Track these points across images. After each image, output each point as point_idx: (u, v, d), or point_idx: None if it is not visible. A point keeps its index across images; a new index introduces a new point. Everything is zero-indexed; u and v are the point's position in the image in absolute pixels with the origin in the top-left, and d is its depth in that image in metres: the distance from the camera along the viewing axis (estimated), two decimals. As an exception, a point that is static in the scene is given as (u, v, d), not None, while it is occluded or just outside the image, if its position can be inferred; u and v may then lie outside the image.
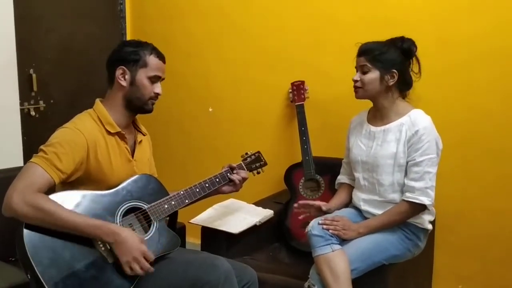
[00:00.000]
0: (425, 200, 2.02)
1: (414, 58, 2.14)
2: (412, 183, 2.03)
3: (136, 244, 1.68)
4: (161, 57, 1.94)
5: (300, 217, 2.27)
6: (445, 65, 2.47)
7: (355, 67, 2.15)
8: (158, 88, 1.93)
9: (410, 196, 2.03)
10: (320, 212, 2.17)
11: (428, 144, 2.02)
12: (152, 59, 1.90)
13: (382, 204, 2.12)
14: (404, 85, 2.13)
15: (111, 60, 1.92)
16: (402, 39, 2.12)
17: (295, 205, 2.22)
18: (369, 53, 2.08)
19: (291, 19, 2.89)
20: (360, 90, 2.12)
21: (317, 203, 2.19)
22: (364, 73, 2.09)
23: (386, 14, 2.59)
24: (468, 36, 2.42)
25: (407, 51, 2.11)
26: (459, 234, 2.55)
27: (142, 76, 1.88)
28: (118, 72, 1.88)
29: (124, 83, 1.88)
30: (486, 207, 2.47)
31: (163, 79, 1.96)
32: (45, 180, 1.68)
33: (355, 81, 2.13)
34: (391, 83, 2.08)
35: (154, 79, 1.91)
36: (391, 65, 2.07)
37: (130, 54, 1.88)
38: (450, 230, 2.54)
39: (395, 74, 2.07)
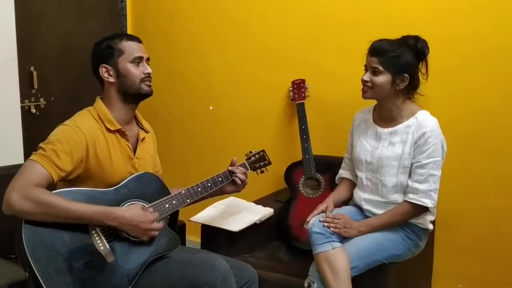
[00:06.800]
0: (428, 203, 2.01)
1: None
2: (416, 185, 2.02)
3: (141, 218, 1.74)
4: (133, 38, 1.93)
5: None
6: (445, 64, 2.46)
7: (365, 65, 2.08)
8: (146, 68, 1.92)
9: (413, 198, 2.03)
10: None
11: (434, 147, 2.01)
12: (125, 44, 1.90)
13: (384, 205, 2.11)
14: (412, 88, 2.09)
15: (93, 65, 1.93)
16: (416, 38, 2.05)
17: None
18: (382, 55, 2.01)
19: (291, 18, 2.89)
20: (369, 90, 2.06)
21: (320, 209, 2.15)
22: (375, 74, 2.03)
23: (387, 12, 2.59)
24: (469, 35, 2.42)
25: (420, 53, 2.05)
26: (459, 233, 2.55)
27: (123, 63, 1.89)
28: (102, 71, 1.89)
29: (112, 79, 1.89)
30: (486, 206, 2.47)
31: (148, 58, 1.95)
32: (43, 177, 1.68)
33: (365, 81, 2.06)
34: (401, 87, 2.04)
35: (137, 60, 1.90)
36: (403, 69, 2.01)
37: (104, 50, 1.89)
38: (450, 229, 2.54)
39: (406, 79, 2.02)
